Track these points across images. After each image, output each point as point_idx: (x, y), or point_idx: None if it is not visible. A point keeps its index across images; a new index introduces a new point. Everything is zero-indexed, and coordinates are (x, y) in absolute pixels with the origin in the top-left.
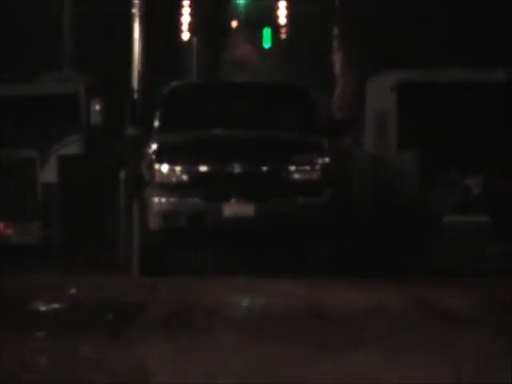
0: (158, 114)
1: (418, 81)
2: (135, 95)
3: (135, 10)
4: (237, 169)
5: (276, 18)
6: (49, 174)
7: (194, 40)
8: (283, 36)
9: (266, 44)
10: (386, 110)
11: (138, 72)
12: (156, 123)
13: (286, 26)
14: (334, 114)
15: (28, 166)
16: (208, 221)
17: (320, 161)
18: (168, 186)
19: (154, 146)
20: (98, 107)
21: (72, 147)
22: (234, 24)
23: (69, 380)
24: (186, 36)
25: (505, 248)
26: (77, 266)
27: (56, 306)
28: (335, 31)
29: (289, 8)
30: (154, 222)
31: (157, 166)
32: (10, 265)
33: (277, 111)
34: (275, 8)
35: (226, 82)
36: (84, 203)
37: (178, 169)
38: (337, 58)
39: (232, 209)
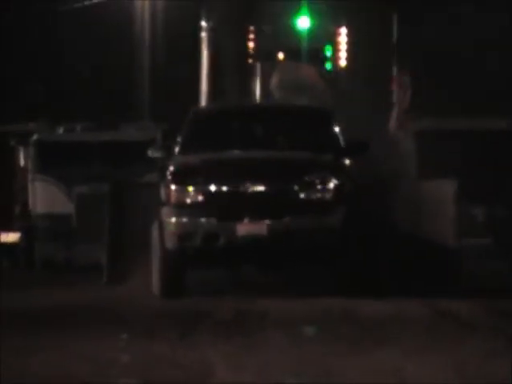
0: (180, 136)
1: (432, 129)
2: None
3: (203, 35)
4: (249, 188)
5: (337, 44)
6: None
7: (258, 64)
8: (343, 64)
9: (328, 66)
10: (408, 151)
11: (206, 94)
12: (177, 146)
13: (346, 52)
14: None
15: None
16: (222, 240)
17: (333, 180)
18: (183, 207)
19: (171, 168)
20: None
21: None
22: (281, 56)
23: (147, 373)
24: (250, 60)
25: (508, 266)
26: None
27: (135, 313)
28: (393, 62)
29: (349, 35)
30: (170, 242)
31: (172, 187)
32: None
33: (295, 133)
34: (336, 34)
35: (247, 106)
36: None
37: (192, 189)
38: (394, 87)
39: (245, 228)
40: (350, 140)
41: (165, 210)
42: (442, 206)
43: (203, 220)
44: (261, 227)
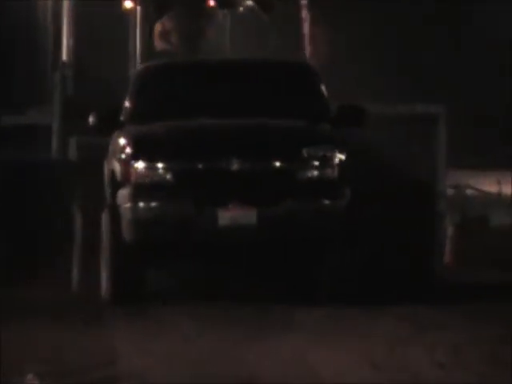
0: (126, 101)
1: None
2: (68, 71)
3: None
4: (235, 166)
5: None
6: None
7: (138, 10)
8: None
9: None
10: None
11: (68, 44)
12: (125, 112)
13: None
14: None
15: None
16: (199, 231)
17: (337, 156)
18: (148, 188)
19: (129, 139)
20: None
21: None
22: (212, 3)
23: (50, 359)
24: (129, 4)
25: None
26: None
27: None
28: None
29: None
30: (129, 234)
31: (133, 164)
32: None
33: (276, 95)
34: None
35: (210, 61)
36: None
37: (160, 166)
38: (305, 29)
39: (229, 215)
40: (343, 104)
41: (121, 193)
42: None
43: (175, 205)
44: (249, 214)
